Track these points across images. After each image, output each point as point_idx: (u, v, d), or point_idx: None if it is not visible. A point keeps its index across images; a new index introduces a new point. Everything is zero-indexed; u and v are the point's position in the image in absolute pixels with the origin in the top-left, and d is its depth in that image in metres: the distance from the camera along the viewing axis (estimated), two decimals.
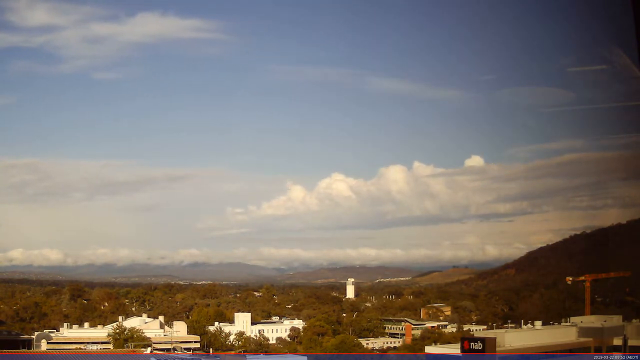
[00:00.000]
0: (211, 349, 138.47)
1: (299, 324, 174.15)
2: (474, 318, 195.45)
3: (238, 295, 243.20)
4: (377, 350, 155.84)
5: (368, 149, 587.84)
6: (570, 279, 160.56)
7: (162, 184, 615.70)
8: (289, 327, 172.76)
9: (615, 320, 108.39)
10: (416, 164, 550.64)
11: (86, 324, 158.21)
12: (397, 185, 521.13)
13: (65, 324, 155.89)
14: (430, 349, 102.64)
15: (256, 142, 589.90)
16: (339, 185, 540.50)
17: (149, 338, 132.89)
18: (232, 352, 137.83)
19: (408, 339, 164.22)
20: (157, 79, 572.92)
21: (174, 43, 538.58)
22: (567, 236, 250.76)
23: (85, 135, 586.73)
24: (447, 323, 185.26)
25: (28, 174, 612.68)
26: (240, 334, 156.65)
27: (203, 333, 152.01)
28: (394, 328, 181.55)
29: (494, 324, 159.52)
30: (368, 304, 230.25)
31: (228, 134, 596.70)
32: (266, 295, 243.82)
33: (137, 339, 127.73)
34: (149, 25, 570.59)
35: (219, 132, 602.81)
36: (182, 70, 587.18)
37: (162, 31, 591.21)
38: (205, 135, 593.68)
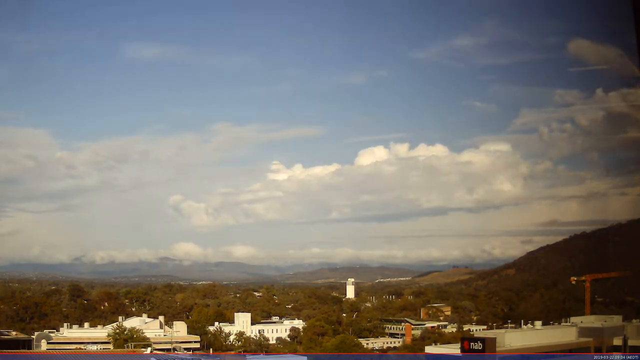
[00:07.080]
0: (211, 349, 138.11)
1: (299, 324, 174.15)
2: (474, 318, 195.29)
3: (238, 295, 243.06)
4: (377, 350, 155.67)
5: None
6: (575, 279, 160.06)
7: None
8: (289, 327, 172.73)
9: (615, 320, 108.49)
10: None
11: (86, 324, 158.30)
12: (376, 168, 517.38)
13: (65, 324, 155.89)
14: (430, 349, 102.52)
15: None
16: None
17: (149, 338, 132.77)
18: (232, 352, 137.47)
19: (408, 339, 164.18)
20: None
21: None
22: (567, 236, 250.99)
23: None
24: (447, 323, 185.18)
25: None
26: (240, 334, 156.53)
27: (203, 333, 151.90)
28: (394, 328, 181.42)
29: (494, 324, 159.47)
30: (368, 304, 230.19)
31: None
32: (266, 295, 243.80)
33: (137, 339, 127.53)
34: None
35: None
36: None
37: None
38: None
